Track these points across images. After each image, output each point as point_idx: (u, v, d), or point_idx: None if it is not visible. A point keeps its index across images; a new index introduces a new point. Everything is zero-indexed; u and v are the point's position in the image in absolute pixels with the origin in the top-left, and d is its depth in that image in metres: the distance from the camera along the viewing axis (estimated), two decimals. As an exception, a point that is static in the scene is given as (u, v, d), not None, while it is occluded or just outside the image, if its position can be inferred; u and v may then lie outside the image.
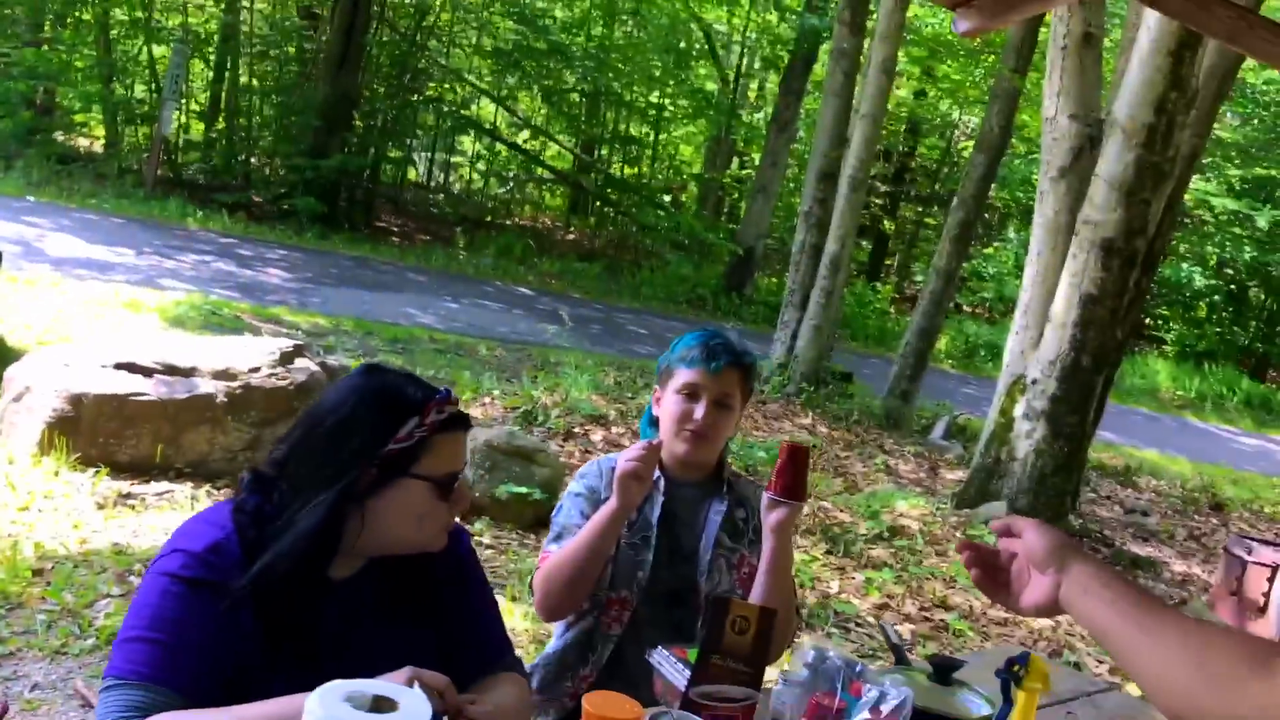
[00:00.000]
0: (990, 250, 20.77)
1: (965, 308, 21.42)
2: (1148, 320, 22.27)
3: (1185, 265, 20.62)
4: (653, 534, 2.25)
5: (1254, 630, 3.87)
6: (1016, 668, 1.54)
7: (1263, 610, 3.85)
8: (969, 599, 5.80)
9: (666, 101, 21.04)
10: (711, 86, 20.61)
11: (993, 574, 1.35)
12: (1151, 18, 6.67)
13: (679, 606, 2.25)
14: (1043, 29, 9.92)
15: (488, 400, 7.39)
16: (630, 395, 8.36)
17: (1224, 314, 23.47)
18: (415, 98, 18.79)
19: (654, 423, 2.37)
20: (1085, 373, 7.11)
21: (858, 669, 1.81)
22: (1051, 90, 7.57)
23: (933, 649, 5.07)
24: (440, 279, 13.85)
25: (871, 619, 5.19)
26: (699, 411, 2.24)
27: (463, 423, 1.67)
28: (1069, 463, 7.31)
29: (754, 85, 22.76)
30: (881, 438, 9.42)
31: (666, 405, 2.31)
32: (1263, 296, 24.02)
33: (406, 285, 12.65)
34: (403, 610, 1.72)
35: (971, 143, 21.29)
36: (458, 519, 1.78)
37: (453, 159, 23.81)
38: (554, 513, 2.34)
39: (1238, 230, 20.90)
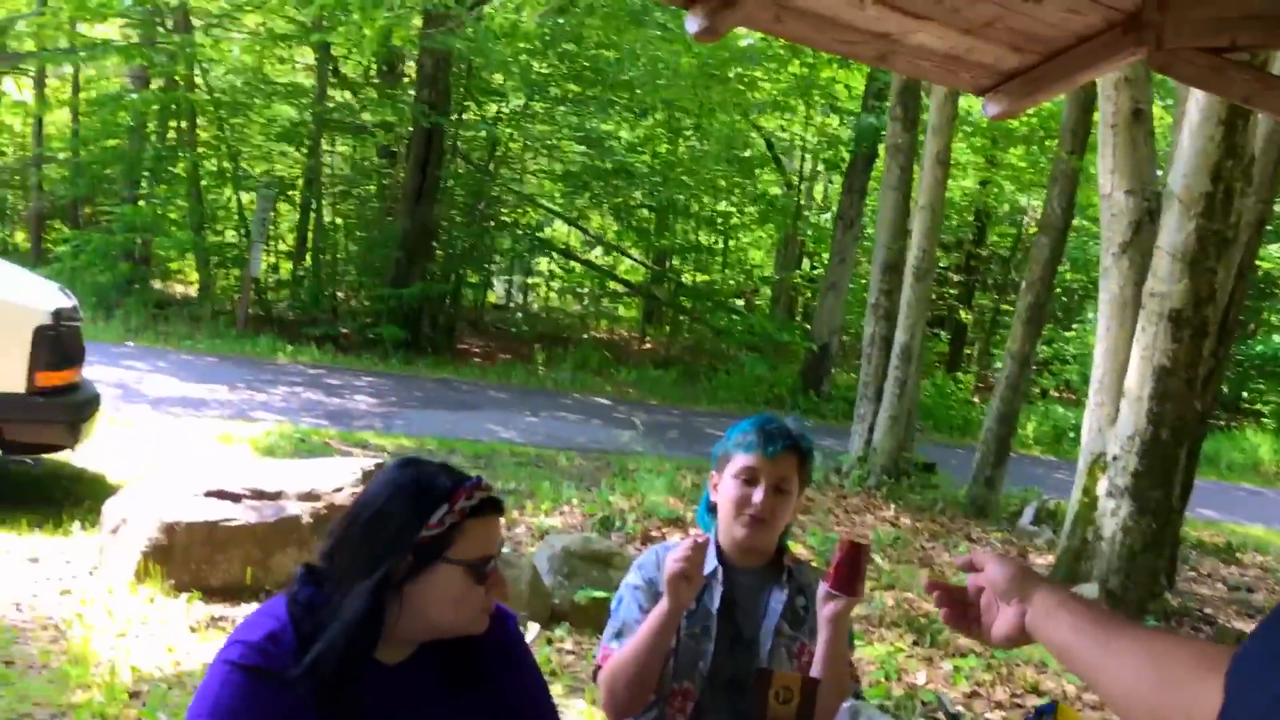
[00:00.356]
0: (1071, 333, 20.49)
1: (1052, 391, 21.07)
2: (1244, 394, 21.65)
3: (1278, 336, 20.09)
4: (713, 623, 2.27)
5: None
6: (1045, 718, 1.57)
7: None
8: (1061, 683, 5.66)
9: (733, 209, 21.43)
10: (776, 191, 20.98)
11: (963, 610, 1.38)
12: (1199, 89, 6.72)
13: (742, 694, 2.24)
14: (1095, 109, 10.00)
15: (567, 508, 7.51)
16: (708, 497, 8.39)
17: (1323, 382, 22.69)
18: (490, 224, 19.45)
19: (712, 509, 2.40)
20: (1165, 445, 6.98)
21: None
22: (1106, 167, 7.62)
23: (1026, 737, 4.96)
24: (520, 395, 14.13)
25: (963, 709, 5.10)
26: (757, 496, 2.26)
27: (494, 507, 1.76)
28: (1158, 539, 7.13)
29: (819, 186, 23.09)
30: (967, 526, 9.28)
31: (724, 490, 2.33)
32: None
33: (488, 403, 12.94)
34: (456, 693, 1.81)
35: (1036, 227, 21.27)
36: (501, 603, 1.87)
37: (530, 279, 24.43)
38: (613, 604, 2.36)
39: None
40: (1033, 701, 5.40)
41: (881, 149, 16.37)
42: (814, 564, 2.54)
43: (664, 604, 2.12)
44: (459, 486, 1.72)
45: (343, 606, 1.65)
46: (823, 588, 2.11)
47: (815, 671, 2.19)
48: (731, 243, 22.83)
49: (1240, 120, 6.77)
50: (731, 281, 23.58)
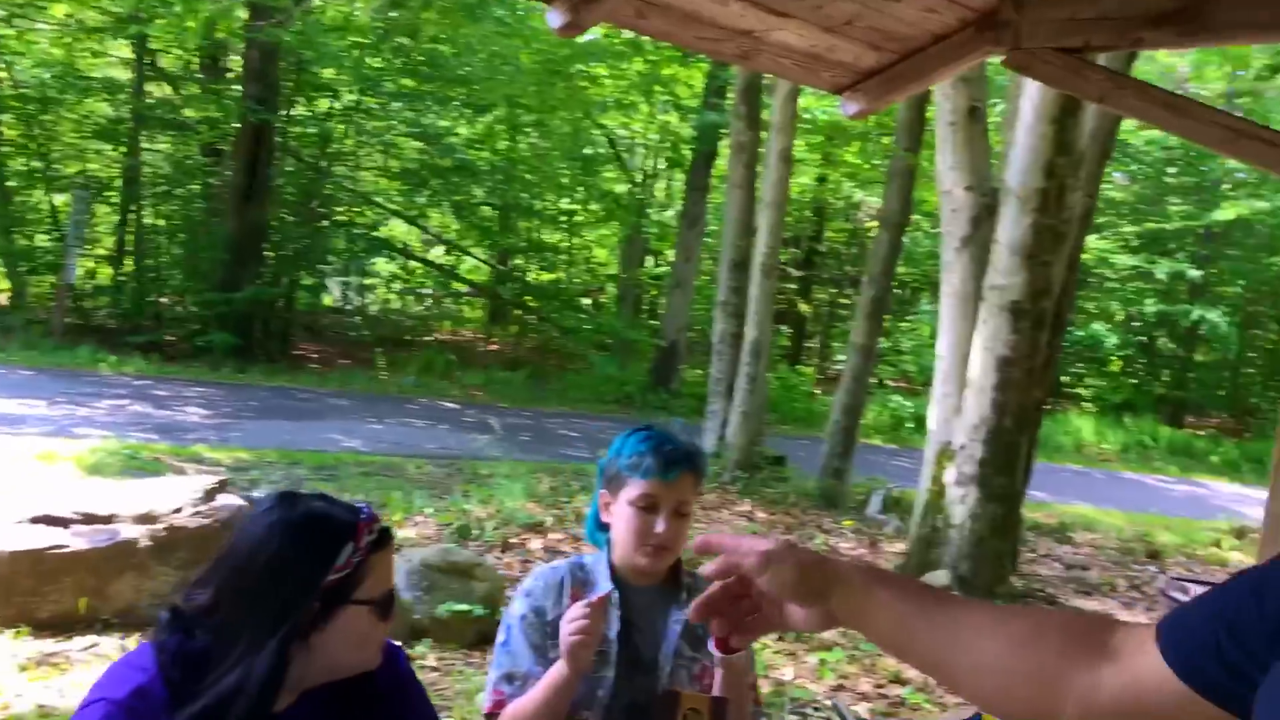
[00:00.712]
0: (906, 324, 21.20)
1: (888, 382, 21.75)
2: (1065, 379, 22.81)
3: (1095, 324, 21.24)
4: (612, 649, 2.16)
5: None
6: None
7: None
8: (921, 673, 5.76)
9: (578, 207, 21.35)
10: (620, 189, 20.98)
11: (735, 616, 1.19)
12: (1032, 87, 6.96)
13: (642, 718, 2.15)
14: (929, 107, 10.30)
15: (420, 519, 7.26)
16: (565, 500, 8.28)
17: (1136, 366, 24.15)
18: (325, 224, 18.81)
19: (602, 527, 2.29)
20: (1008, 434, 7.23)
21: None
22: (945, 164, 7.83)
23: (889, 726, 5.03)
24: (363, 402, 13.70)
25: (827, 702, 5.13)
26: (659, 526, 2.15)
27: (389, 538, 1.63)
28: (1004, 524, 7.37)
29: (661, 184, 23.24)
30: (819, 518, 9.43)
31: (621, 516, 2.21)
32: (1171, 345, 24.80)
33: (329, 411, 12.48)
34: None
35: (875, 223, 21.94)
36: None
37: (367, 281, 23.80)
38: (500, 637, 2.23)
39: (1139, 284, 21.66)
40: (896, 691, 5.48)
41: (723, 147, 16.59)
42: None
43: (562, 670, 2.02)
44: (358, 521, 1.56)
45: (242, 664, 1.47)
46: (715, 653, 1.99)
47: (717, 693, 2.11)
48: (576, 241, 22.74)
49: (1070, 118, 7.04)
50: (577, 280, 23.51)
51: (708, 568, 1.17)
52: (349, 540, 1.54)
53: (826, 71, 3.26)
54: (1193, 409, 23.93)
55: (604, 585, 2.22)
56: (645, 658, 2.20)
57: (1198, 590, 4.13)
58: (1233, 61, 14.34)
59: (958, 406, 7.46)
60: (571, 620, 2.00)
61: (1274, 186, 19.99)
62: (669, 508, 2.17)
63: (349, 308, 23.64)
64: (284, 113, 17.09)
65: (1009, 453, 7.27)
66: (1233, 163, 21.51)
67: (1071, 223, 7.53)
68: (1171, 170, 21.81)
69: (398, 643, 1.81)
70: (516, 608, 2.23)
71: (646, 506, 2.16)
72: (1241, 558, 10.72)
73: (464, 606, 5.32)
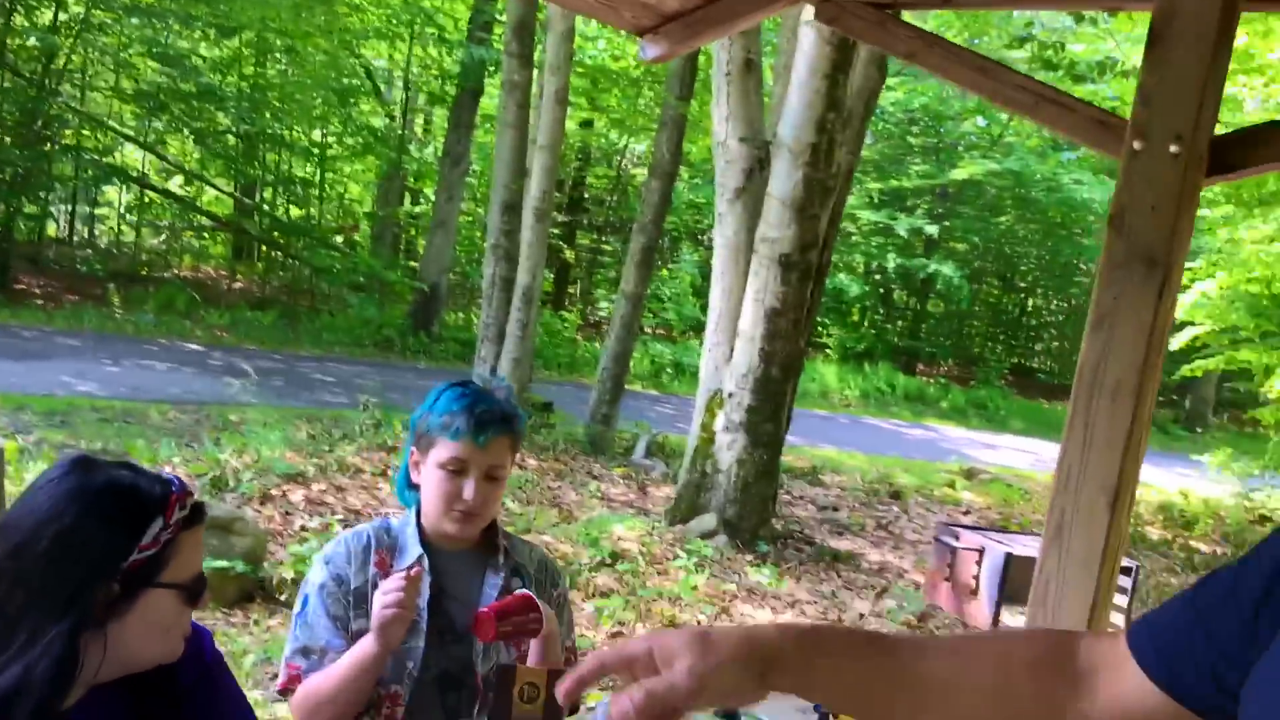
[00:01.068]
0: (666, 273, 21.54)
1: (647, 329, 22.09)
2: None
3: (841, 275, 22.29)
4: (422, 619, 2.02)
5: (969, 610, 4.12)
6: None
7: (974, 592, 4.13)
8: (694, 615, 5.88)
9: (332, 140, 20.36)
10: (378, 123, 20.15)
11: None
12: (807, 41, 7.09)
13: (454, 690, 2.05)
14: (702, 57, 10.37)
15: (168, 470, 6.75)
16: (327, 448, 7.91)
17: (876, 316, 25.59)
18: (50, 147, 17.12)
19: (413, 487, 2.15)
20: (776, 382, 7.44)
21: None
22: (720, 115, 7.90)
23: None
24: (96, 341, 12.63)
25: (607, 649, 5.14)
26: (468, 491, 2.03)
27: (203, 513, 1.42)
28: (769, 469, 7.62)
29: (420, 120, 22.50)
30: (589, 464, 9.46)
31: (429, 479, 2.07)
32: (907, 297, 26.42)
33: (58, 352, 11.44)
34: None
35: (639, 170, 22.11)
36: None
37: (97, 211, 21.92)
38: (297, 607, 2.05)
39: (881, 239, 22.87)
40: (672, 636, 5.55)
41: (489, 85, 16.20)
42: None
43: (371, 645, 1.88)
44: (169, 493, 1.34)
45: (23, 658, 1.24)
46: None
47: (532, 662, 2.03)
48: (330, 176, 21.68)
49: (841, 75, 7.24)
50: (330, 217, 22.49)
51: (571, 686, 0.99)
52: (158, 515, 1.33)
53: (629, 11, 3.15)
54: (925, 358, 25.61)
55: (412, 550, 2.09)
56: (459, 625, 2.07)
57: (967, 534, 4.36)
58: (970, 30, 15.19)
59: (728, 355, 7.60)
60: (385, 593, 1.86)
61: (1004, 150, 21.53)
62: (480, 473, 2.05)
63: (76, 239, 21.73)
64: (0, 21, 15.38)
65: (775, 401, 7.49)
66: (966, 126, 23.03)
67: (839, 178, 7.77)
68: (914, 130, 23.07)
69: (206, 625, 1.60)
70: (315, 575, 2.06)
71: (456, 470, 2.04)
72: (972, 497, 11.58)
73: (223, 563, 4.99)
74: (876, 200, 22.09)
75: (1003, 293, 28.08)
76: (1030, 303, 29.09)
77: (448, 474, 2.04)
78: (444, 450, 2.04)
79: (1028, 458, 15.77)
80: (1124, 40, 11.11)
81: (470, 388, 2.12)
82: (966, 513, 10.71)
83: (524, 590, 1.99)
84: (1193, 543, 10.91)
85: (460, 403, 2.06)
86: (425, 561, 2.07)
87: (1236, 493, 13.06)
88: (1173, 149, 2.24)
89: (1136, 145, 2.29)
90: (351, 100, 19.25)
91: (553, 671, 1.69)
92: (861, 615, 6.49)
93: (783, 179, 7.26)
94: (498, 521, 2.20)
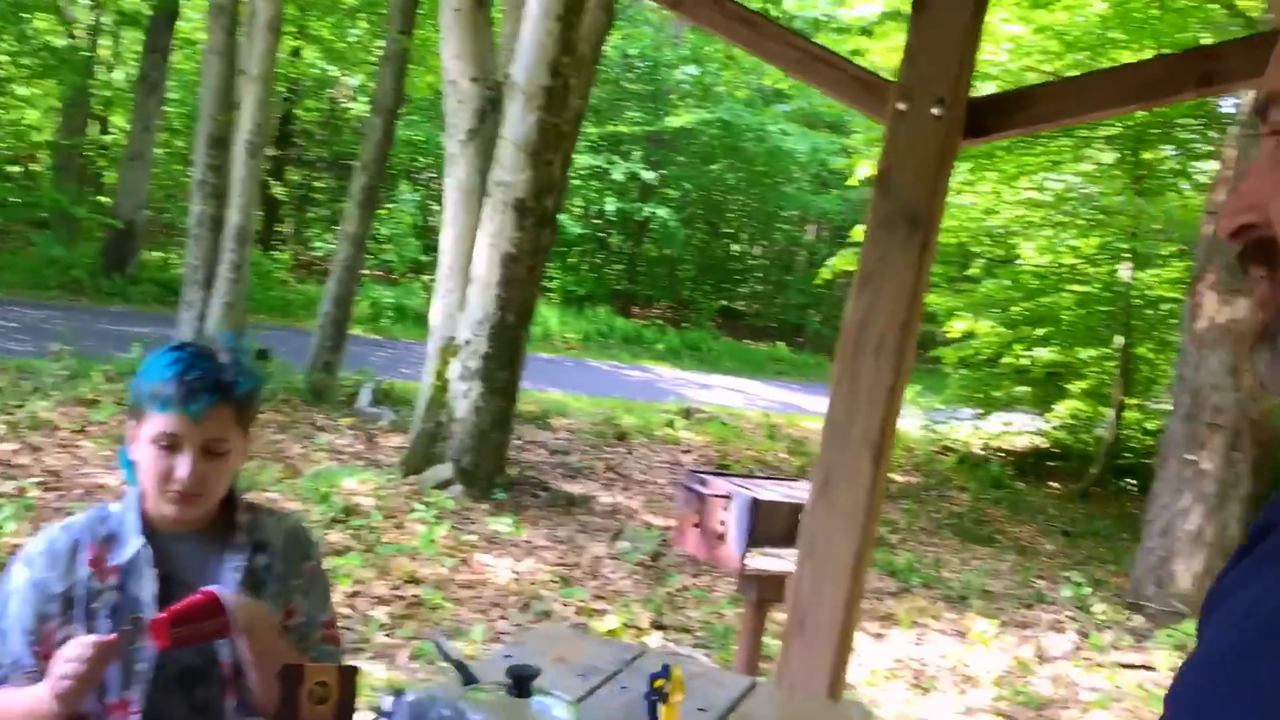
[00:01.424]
0: (385, 212, 20.87)
1: (366, 270, 21.38)
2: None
3: (562, 217, 22.39)
4: (147, 615, 1.79)
5: (720, 555, 4.26)
6: (660, 683, 1.45)
7: (722, 538, 4.26)
8: (435, 569, 5.78)
9: (4, 59, 18.23)
10: (58, 42, 18.22)
11: None
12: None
13: (200, 685, 1.84)
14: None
15: None
16: (16, 404, 7.16)
17: (595, 260, 25.93)
18: None
19: (134, 463, 1.90)
20: (511, 329, 7.38)
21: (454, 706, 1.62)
22: (450, 53, 7.65)
23: (411, 629, 4.98)
24: None
25: (349, 610, 4.96)
26: (181, 469, 1.80)
27: None
28: (504, 417, 7.57)
29: (109, 42, 20.55)
30: (312, 414, 9.06)
31: (143, 455, 1.83)
32: (623, 241, 26.92)
33: None
34: None
35: (353, 105, 21.22)
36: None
37: None
38: None
39: (598, 184, 23.15)
40: (413, 591, 5.43)
41: (186, 6, 14.99)
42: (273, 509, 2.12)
43: (48, 703, 1.67)
44: None
45: None
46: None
47: (245, 655, 1.83)
48: (2, 99, 19.43)
49: (575, 17, 7.17)
50: (3, 145, 20.21)
51: None
52: None
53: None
54: (640, 301, 26.25)
55: (133, 540, 1.85)
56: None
57: (715, 480, 4.48)
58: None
59: (462, 302, 7.45)
60: (67, 660, 1.64)
61: (715, 100, 22.23)
62: (194, 448, 1.81)
63: None
64: None
65: (511, 348, 7.43)
66: (679, 74, 23.58)
67: (572, 122, 7.73)
68: (630, 77, 23.39)
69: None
70: (15, 578, 1.81)
71: (167, 445, 1.81)
72: (691, 436, 12.00)
73: (-100, 541, 4.41)
74: (596, 144, 22.29)
75: (711, 238, 29.14)
76: (735, 248, 30.34)
77: (159, 450, 1.81)
78: (154, 424, 1.81)
79: (739, 397, 16.52)
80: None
81: (186, 350, 1.86)
82: (687, 451, 11.11)
83: (211, 588, 1.78)
84: (889, 474, 11.81)
85: (172, 369, 1.81)
86: (147, 552, 1.85)
87: (923, 425, 14.27)
88: (934, 111, 2.33)
89: (901, 106, 2.37)
90: (25, 15, 17.28)
91: (344, 668, 1.58)
92: (597, 557, 6.60)
93: (516, 122, 7.14)
94: (237, 496, 2.01)
